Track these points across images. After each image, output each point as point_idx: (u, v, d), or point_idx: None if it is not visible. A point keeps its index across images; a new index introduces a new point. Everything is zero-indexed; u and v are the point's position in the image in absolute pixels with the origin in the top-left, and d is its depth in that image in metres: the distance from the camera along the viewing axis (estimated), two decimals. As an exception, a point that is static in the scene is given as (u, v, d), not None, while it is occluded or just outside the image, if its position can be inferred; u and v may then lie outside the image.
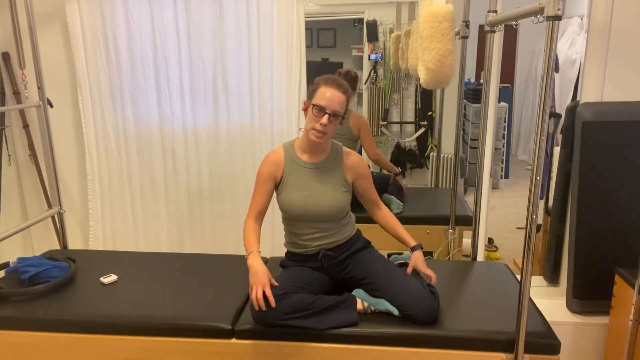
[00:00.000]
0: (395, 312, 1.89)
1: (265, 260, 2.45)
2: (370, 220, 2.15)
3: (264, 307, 1.76)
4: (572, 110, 2.41)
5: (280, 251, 2.20)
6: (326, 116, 1.86)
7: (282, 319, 1.83)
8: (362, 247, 2.07)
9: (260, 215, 2.03)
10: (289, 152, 2.01)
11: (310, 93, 1.92)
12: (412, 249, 2.05)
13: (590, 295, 2.41)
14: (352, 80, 3.11)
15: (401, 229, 2.11)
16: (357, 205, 2.13)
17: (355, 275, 2.02)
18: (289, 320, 1.83)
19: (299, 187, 1.97)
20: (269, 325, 1.86)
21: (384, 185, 3.33)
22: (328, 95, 1.86)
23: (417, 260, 2.02)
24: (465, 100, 4.70)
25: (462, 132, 3.42)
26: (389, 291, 1.92)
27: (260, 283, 1.78)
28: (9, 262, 2.41)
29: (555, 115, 3.20)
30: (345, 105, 1.91)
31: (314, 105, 1.87)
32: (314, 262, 2.03)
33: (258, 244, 1.94)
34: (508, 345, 1.78)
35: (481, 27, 2.32)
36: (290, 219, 2.02)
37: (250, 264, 1.84)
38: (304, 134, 1.98)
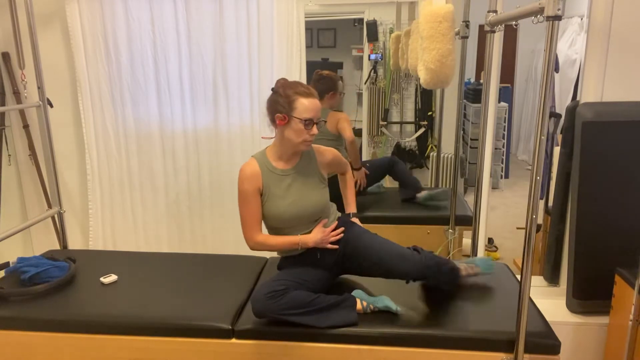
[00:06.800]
0: (394, 308, 1.91)
1: (265, 261, 2.46)
2: (369, 220, 2.15)
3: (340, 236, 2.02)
4: (572, 110, 2.41)
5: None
6: (315, 126, 1.94)
7: (282, 314, 1.84)
8: (346, 227, 2.08)
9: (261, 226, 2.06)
10: (263, 163, 2.01)
11: (286, 106, 1.91)
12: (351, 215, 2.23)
13: (590, 295, 2.41)
14: (324, 79, 3.09)
15: (350, 195, 2.29)
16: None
17: (351, 254, 2.04)
18: (289, 315, 1.84)
19: (282, 195, 1.98)
20: (269, 319, 1.87)
21: (384, 169, 3.38)
22: (311, 106, 1.91)
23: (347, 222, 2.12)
24: (465, 100, 4.70)
25: (462, 132, 3.42)
26: (384, 262, 1.99)
27: (322, 240, 1.99)
28: (9, 262, 2.41)
29: (555, 115, 3.20)
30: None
31: (302, 119, 1.90)
32: (311, 257, 2.03)
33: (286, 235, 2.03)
34: (508, 345, 1.78)
35: (481, 27, 2.32)
36: (277, 227, 2.03)
37: (305, 239, 1.98)
38: (286, 145, 1.98)
